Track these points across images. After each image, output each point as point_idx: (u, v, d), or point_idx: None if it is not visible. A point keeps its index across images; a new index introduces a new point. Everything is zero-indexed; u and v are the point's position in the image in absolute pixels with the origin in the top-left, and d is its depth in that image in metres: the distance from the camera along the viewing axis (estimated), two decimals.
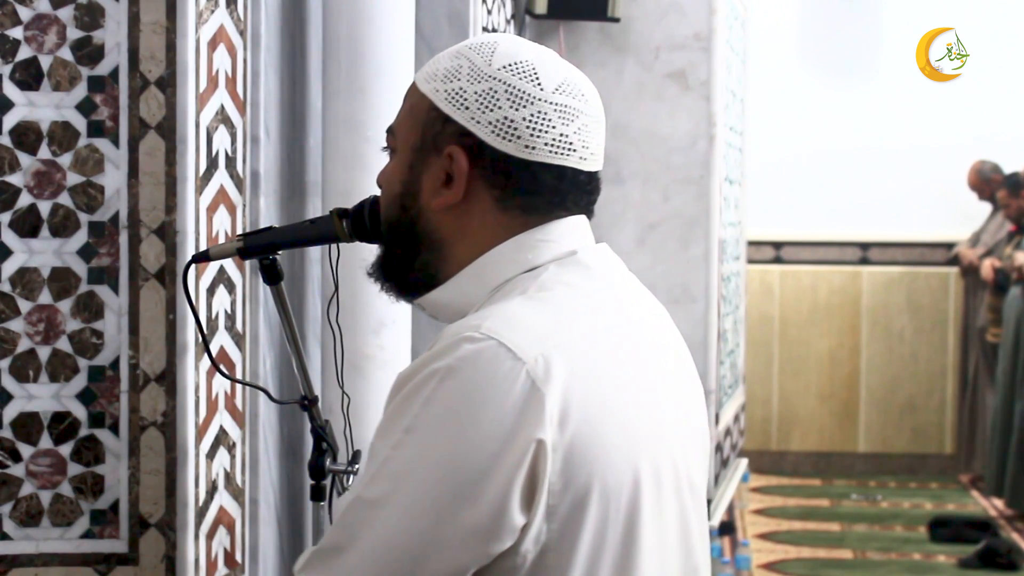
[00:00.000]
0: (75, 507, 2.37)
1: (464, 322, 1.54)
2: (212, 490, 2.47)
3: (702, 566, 1.66)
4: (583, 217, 1.65)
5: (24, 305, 2.35)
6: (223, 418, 2.52)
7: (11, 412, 2.35)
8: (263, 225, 2.57)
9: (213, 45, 2.44)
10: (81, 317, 2.36)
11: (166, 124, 2.35)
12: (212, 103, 2.44)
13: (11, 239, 2.34)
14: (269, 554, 2.81)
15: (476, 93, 1.58)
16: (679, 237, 5.08)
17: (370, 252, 1.74)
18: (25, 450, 2.35)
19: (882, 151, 8.36)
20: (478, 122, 1.58)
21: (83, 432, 2.36)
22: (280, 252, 2.11)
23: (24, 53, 2.33)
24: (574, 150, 1.60)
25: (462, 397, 1.48)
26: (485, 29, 3.96)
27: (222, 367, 2.43)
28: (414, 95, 1.65)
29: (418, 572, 1.48)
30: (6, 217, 2.34)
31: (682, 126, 5.07)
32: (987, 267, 7.70)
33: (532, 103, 1.58)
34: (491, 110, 1.58)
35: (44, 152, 2.34)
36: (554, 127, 1.58)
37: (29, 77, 2.33)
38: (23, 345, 2.35)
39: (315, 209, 3.02)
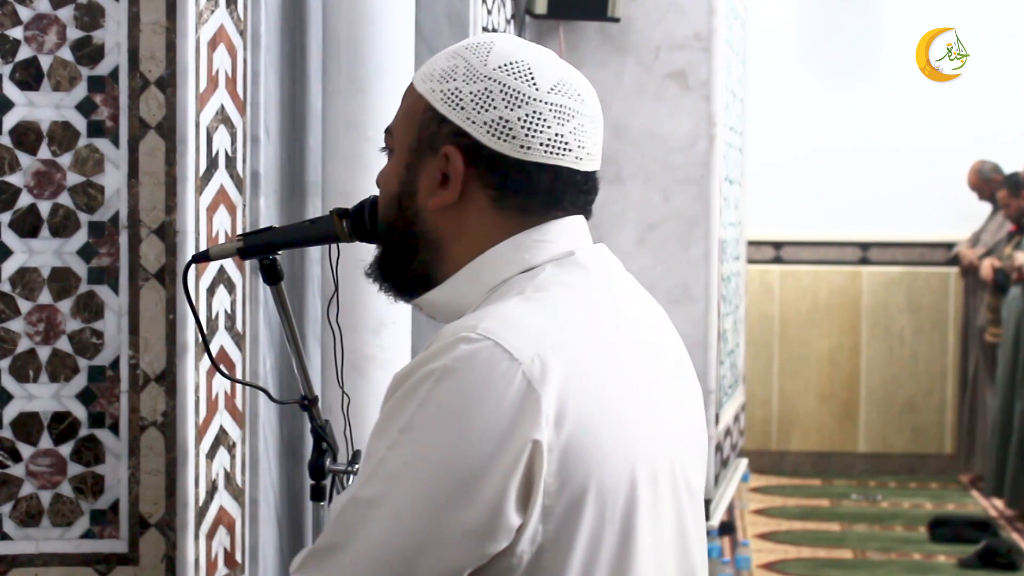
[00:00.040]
0: (75, 507, 2.37)
1: (461, 322, 1.54)
2: (212, 490, 2.47)
3: (699, 567, 1.65)
4: (580, 217, 1.65)
5: (24, 305, 2.35)
6: (223, 418, 2.52)
7: (11, 412, 2.35)
8: (263, 225, 2.57)
9: (213, 45, 2.44)
10: (81, 317, 2.36)
11: (166, 124, 2.35)
12: (212, 103, 2.44)
13: (11, 239, 2.34)
14: (269, 554, 2.81)
15: (472, 93, 1.58)
16: (679, 237, 5.08)
17: (370, 252, 1.75)
18: (25, 450, 2.35)
19: (882, 151, 8.35)
20: (473, 122, 1.58)
21: (83, 432, 2.36)
22: (280, 252, 2.11)
23: (24, 53, 2.34)
24: (570, 150, 1.60)
25: (458, 397, 1.48)
26: (485, 29, 3.96)
27: (222, 367, 2.43)
28: (411, 95, 1.65)
29: (413, 572, 1.48)
30: (6, 217, 2.34)
31: (682, 126, 5.07)
32: (987, 267, 7.69)
33: (527, 103, 1.58)
34: (486, 110, 1.58)
35: (44, 152, 2.34)
36: (549, 127, 1.58)
37: (29, 77, 2.34)
38: (23, 345, 2.35)
39: (315, 209, 3.02)
